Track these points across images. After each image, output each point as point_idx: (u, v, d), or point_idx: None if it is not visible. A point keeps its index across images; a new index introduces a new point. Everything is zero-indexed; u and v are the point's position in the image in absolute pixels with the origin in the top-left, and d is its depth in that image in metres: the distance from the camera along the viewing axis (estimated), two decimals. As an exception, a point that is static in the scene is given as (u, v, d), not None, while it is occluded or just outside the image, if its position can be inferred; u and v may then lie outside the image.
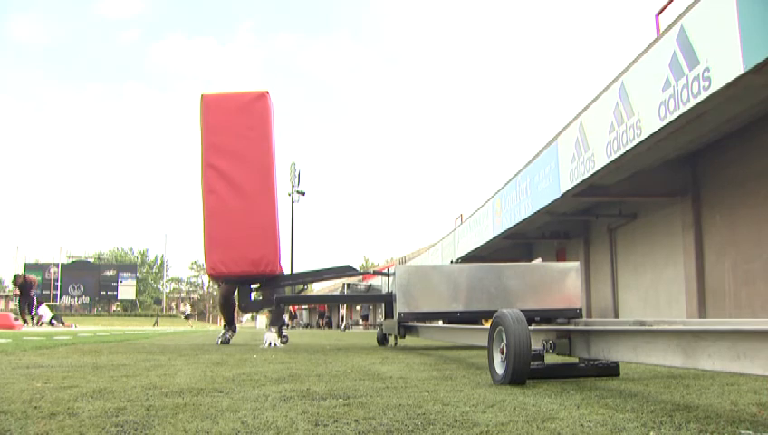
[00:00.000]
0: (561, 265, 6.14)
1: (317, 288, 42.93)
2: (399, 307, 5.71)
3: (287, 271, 7.84)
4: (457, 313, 5.72)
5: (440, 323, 6.33)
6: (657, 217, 10.26)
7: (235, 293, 7.03)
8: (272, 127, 6.56)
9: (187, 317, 44.56)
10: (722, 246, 8.57)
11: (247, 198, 6.30)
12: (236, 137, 6.41)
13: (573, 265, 6.03)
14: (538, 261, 9.93)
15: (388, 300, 6.35)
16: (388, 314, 6.48)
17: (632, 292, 11.26)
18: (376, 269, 8.14)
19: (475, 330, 4.24)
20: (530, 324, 5.11)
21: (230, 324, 7.46)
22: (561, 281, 5.83)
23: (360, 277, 28.94)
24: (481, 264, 6.21)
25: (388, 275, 6.95)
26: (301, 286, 7.87)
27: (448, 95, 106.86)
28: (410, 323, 5.77)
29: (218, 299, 7.80)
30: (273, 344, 6.39)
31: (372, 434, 1.44)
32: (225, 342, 7.14)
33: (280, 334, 7.92)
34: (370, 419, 1.62)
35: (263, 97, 6.58)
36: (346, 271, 7.28)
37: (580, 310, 5.75)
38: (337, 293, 30.29)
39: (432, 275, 5.97)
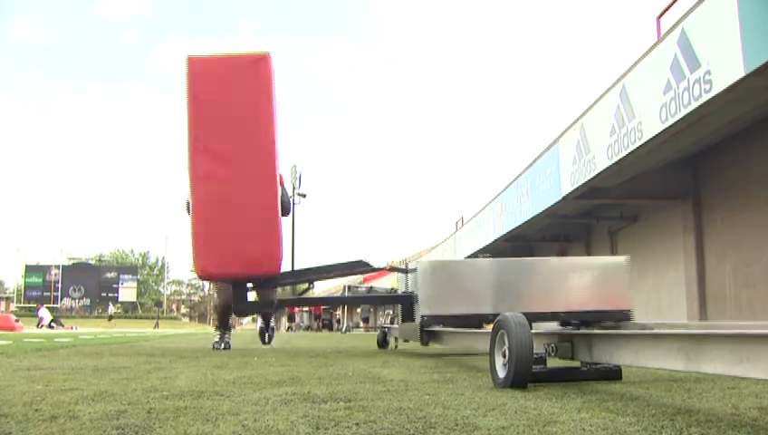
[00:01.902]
0: (606, 259, 5.34)
1: (317, 290, 42.89)
2: (423, 309, 4.89)
3: (287, 270, 6.59)
4: (488, 316, 4.87)
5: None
6: (657, 219, 10.26)
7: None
8: (273, 97, 5.37)
9: (110, 318, 43.02)
10: (722, 249, 8.57)
11: (244, 185, 5.25)
12: (230, 110, 5.29)
13: (621, 260, 5.27)
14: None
15: (407, 301, 5.56)
16: (407, 316, 5.61)
17: (634, 294, 11.25)
18: (393, 265, 6.76)
19: None
20: (565, 326, 4.55)
21: (226, 327, 6.79)
22: (606, 278, 5.12)
23: (361, 280, 28.72)
24: (514, 258, 5.38)
25: (406, 271, 5.89)
26: (302, 287, 6.88)
27: (448, 96, 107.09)
28: (434, 329, 4.85)
29: (218, 307, 6.91)
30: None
31: (373, 438, 1.44)
32: (228, 347, 6.43)
33: (267, 335, 7.27)
34: (371, 422, 1.62)
35: (263, 60, 5.35)
36: (358, 266, 6.30)
37: (630, 312, 4.99)
38: (338, 295, 30.13)
39: (461, 271, 5.10)
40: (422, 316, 4.86)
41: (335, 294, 30.93)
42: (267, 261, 5.30)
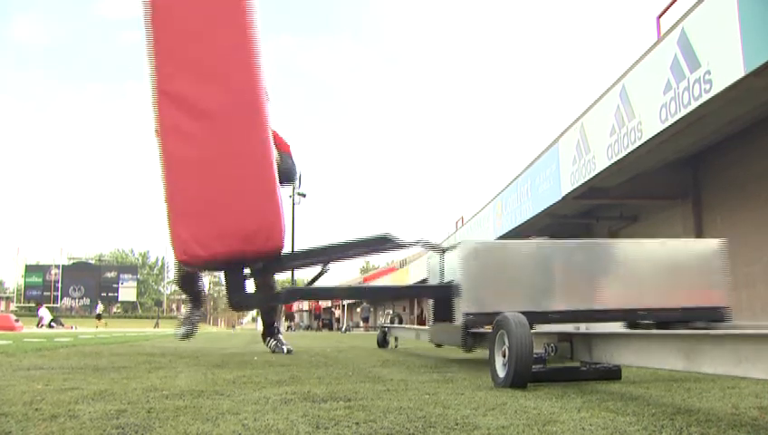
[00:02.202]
0: (695, 242, 4.22)
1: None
2: (465, 305, 3.76)
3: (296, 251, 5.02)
4: (554, 314, 3.79)
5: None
6: (658, 219, 10.27)
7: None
8: (255, 29, 4.20)
9: (98, 317, 42.64)
10: (723, 249, 8.57)
11: (228, 137, 4.07)
12: (203, 43, 4.12)
13: (714, 244, 4.01)
14: None
15: (442, 294, 4.23)
16: (441, 314, 4.39)
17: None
18: (426, 242, 4.70)
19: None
20: (633, 327, 3.86)
21: (196, 304, 5.43)
22: (697, 267, 3.97)
23: (361, 280, 28.64)
24: (583, 240, 4.24)
25: (442, 250, 4.61)
26: (306, 278, 5.04)
27: (448, 96, 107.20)
28: (482, 330, 3.77)
29: (176, 277, 5.51)
30: (284, 349, 5.29)
31: (373, 437, 1.44)
32: (190, 333, 5.36)
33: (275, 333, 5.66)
34: (371, 421, 1.62)
35: None
36: (381, 243, 4.73)
37: (727, 310, 3.90)
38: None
39: (515, 256, 3.95)
40: (465, 314, 3.76)
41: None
42: (265, 233, 4.08)
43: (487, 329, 3.54)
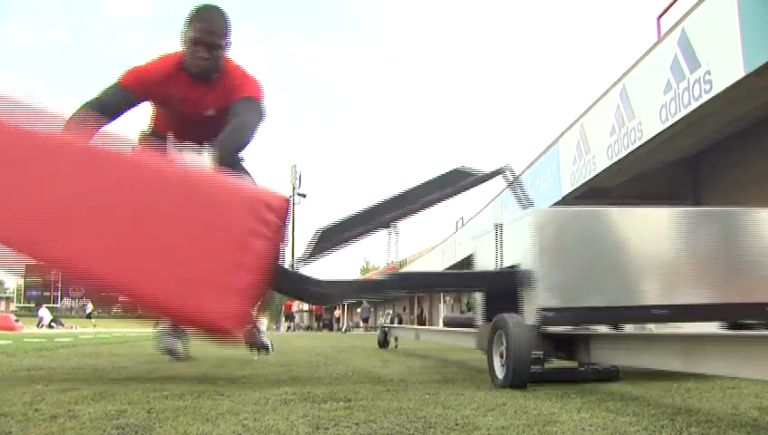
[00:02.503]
0: None
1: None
2: (543, 298, 2.68)
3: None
4: (659, 309, 2.78)
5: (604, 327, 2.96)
6: (658, 219, 10.27)
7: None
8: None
9: (88, 316, 42.19)
10: (723, 249, 8.56)
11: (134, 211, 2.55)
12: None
13: None
14: None
15: (502, 283, 3.00)
16: (496, 310, 2.74)
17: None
18: (510, 170, 3.41)
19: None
20: (734, 328, 2.91)
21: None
22: None
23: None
24: (697, 208, 3.25)
25: (522, 201, 3.46)
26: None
27: (448, 96, 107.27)
28: (564, 331, 2.76)
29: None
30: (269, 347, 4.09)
31: (373, 437, 1.44)
32: (171, 351, 3.77)
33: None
34: (371, 422, 1.62)
35: None
36: (458, 180, 3.34)
37: None
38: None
39: (612, 229, 2.84)
40: (541, 310, 2.68)
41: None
42: (261, 209, 2.68)
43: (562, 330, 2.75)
